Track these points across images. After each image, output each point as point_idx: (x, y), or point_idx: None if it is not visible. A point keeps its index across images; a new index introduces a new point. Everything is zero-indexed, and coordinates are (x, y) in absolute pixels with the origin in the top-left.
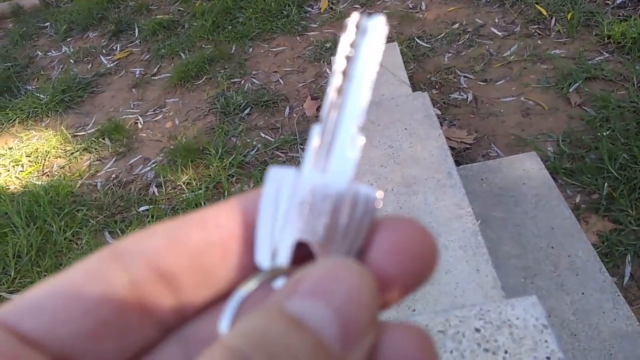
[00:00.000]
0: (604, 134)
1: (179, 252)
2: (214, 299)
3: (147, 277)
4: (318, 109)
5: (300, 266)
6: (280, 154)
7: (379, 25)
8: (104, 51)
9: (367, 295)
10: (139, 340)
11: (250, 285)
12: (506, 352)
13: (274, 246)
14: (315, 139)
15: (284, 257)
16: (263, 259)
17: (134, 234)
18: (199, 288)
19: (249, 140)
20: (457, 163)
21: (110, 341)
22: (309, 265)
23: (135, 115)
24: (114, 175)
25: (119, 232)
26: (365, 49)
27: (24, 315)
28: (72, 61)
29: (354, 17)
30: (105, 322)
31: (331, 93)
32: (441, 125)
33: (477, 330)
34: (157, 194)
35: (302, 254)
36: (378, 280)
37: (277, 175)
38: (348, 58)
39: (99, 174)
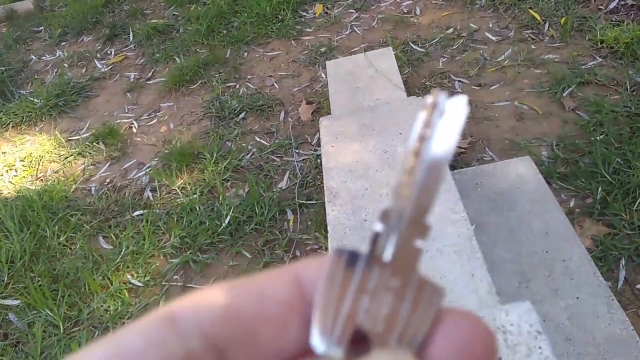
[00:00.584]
0: (598, 138)
1: (235, 324)
2: None
3: (201, 348)
4: (313, 113)
5: (355, 355)
6: (275, 158)
7: (459, 107)
8: (98, 55)
9: None
10: None
11: None
12: (500, 358)
13: (332, 330)
14: (380, 221)
15: (340, 344)
16: (319, 343)
17: (190, 296)
18: (253, 357)
19: (244, 145)
20: (452, 167)
21: None
22: (369, 356)
23: (129, 120)
24: (108, 180)
25: (113, 237)
26: (440, 135)
27: None
28: (66, 65)
29: (435, 95)
30: None
31: (403, 175)
32: None
33: None
34: (151, 198)
35: (360, 340)
36: None
37: (341, 253)
38: (423, 139)
39: (93, 179)
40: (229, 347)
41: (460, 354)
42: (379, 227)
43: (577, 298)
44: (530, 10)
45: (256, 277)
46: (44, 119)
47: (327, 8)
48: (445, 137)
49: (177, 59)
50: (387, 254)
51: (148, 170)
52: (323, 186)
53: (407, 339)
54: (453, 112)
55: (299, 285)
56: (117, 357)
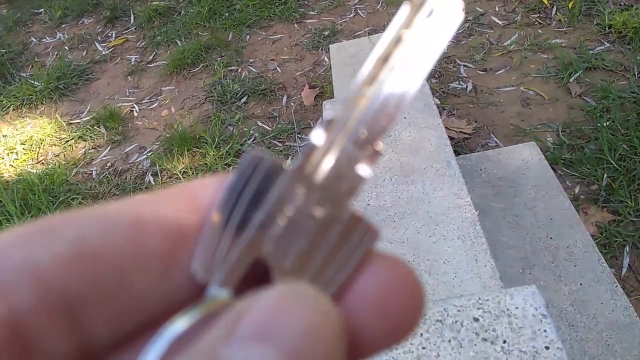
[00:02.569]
0: (604, 124)
1: (94, 268)
2: (138, 330)
3: (34, 304)
4: (316, 98)
5: (248, 292)
6: (277, 143)
7: (452, 10)
8: (99, 38)
9: (329, 334)
10: None
11: (178, 325)
12: (505, 341)
13: (223, 259)
14: (319, 135)
15: (231, 278)
16: (201, 273)
17: (27, 227)
18: (117, 319)
19: (246, 129)
20: (456, 153)
21: None
22: (257, 293)
23: (130, 103)
24: (109, 164)
25: None
26: (424, 35)
27: None
28: (66, 48)
29: None
30: None
31: (359, 84)
32: (440, 114)
33: (476, 319)
34: (152, 182)
35: (261, 277)
36: (350, 329)
37: (256, 161)
38: (398, 40)
39: (94, 162)
40: (81, 300)
41: (382, 303)
42: (317, 138)
43: (581, 284)
44: None
45: (134, 200)
46: (44, 102)
47: None
48: (427, 44)
49: (178, 42)
50: (320, 174)
51: (149, 154)
52: None
53: (322, 280)
54: (443, 15)
55: (196, 209)
56: None
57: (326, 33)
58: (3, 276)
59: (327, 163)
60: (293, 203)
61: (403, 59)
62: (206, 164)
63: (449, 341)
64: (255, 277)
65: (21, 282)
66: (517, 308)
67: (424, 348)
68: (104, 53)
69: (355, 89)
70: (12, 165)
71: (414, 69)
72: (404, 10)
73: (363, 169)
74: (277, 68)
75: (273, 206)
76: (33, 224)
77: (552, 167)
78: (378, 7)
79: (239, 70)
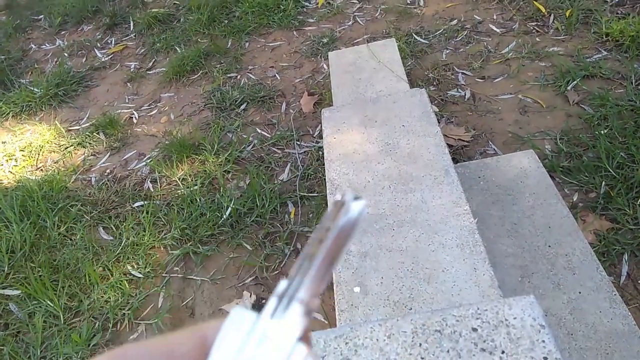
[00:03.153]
0: (602, 132)
1: None
2: None
3: None
4: (315, 105)
5: None
6: (276, 149)
7: (358, 208)
8: (98, 45)
9: None
10: None
11: None
12: (503, 352)
13: None
14: (279, 292)
15: None
16: None
17: (105, 355)
18: None
19: (245, 136)
20: (455, 161)
21: None
22: None
23: (130, 110)
24: (108, 170)
25: (113, 227)
26: (338, 231)
27: None
28: (66, 54)
29: (342, 195)
30: None
31: (303, 257)
32: (439, 122)
33: (474, 329)
34: (152, 189)
35: None
36: None
37: (238, 316)
38: (327, 229)
39: (93, 169)
40: None
41: None
42: (272, 300)
43: (580, 293)
44: (535, 2)
45: (167, 336)
46: (43, 108)
47: None
48: (342, 234)
49: (177, 48)
50: (277, 317)
51: (148, 161)
52: (325, 178)
53: None
54: (353, 212)
55: (204, 345)
56: None
57: (325, 40)
58: None
59: (281, 312)
60: (264, 344)
61: (330, 240)
62: (205, 170)
63: (448, 351)
64: None
65: None
66: (515, 318)
67: (422, 358)
68: (103, 60)
69: (298, 263)
70: (11, 172)
71: (338, 247)
72: (330, 209)
73: (304, 316)
74: (276, 75)
75: (249, 346)
76: (108, 353)
77: (550, 175)
78: (376, 14)
79: (238, 77)
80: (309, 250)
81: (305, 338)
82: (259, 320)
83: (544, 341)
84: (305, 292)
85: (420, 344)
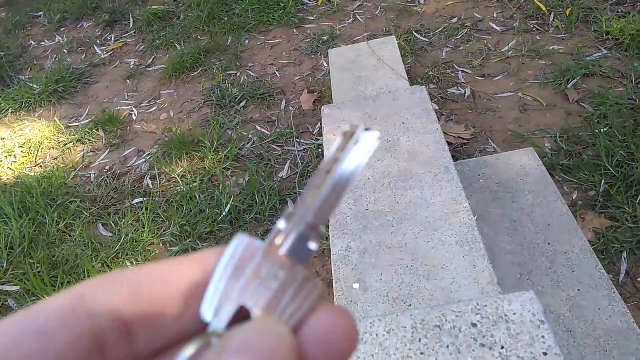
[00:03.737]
0: (602, 130)
1: (142, 305)
2: (165, 347)
3: (108, 326)
4: (315, 102)
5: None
6: (276, 147)
7: (371, 140)
8: (98, 41)
9: (286, 349)
10: None
11: (189, 351)
12: (503, 347)
13: (220, 305)
14: (284, 220)
15: (225, 317)
16: (207, 315)
17: (99, 278)
18: (154, 338)
19: (244, 133)
20: (454, 158)
21: None
22: (237, 328)
23: (129, 107)
24: (107, 167)
25: (112, 224)
26: (351, 159)
27: None
28: (65, 51)
29: (352, 127)
30: None
31: (311, 188)
32: (439, 120)
33: (474, 325)
34: (151, 186)
35: (245, 317)
36: (301, 355)
37: (241, 242)
38: (335, 160)
39: (92, 166)
40: (136, 324)
41: (324, 339)
42: (281, 224)
43: (579, 290)
44: (535, 1)
45: (165, 262)
46: (43, 105)
47: None
48: (354, 162)
49: (177, 46)
50: (283, 248)
51: (148, 157)
52: None
53: (284, 319)
54: (365, 143)
55: (205, 272)
56: (28, 336)
57: (325, 38)
58: (93, 306)
59: (287, 243)
60: (264, 269)
61: (338, 173)
62: (205, 168)
63: (447, 347)
64: (242, 317)
65: (102, 312)
66: (515, 314)
67: (422, 354)
68: (103, 57)
69: (305, 193)
70: (10, 168)
71: (345, 181)
72: (339, 140)
73: (312, 245)
74: (276, 72)
75: (251, 271)
76: (103, 276)
77: (550, 173)
78: (377, 12)
79: (238, 74)
80: (316, 181)
81: (307, 266)
82: (262, 248)
83: (543, 337)
84: (311, 221)
85: (420, 340)
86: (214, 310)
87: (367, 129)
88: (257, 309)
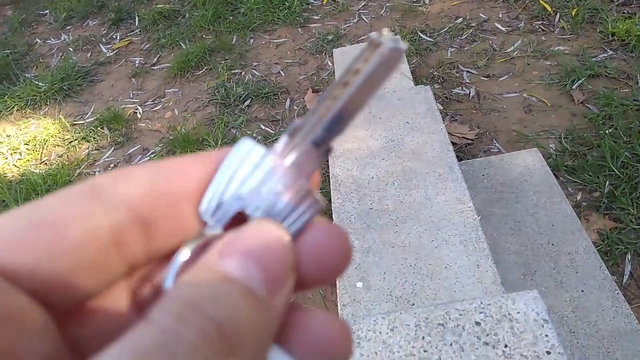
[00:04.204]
0: (607, 131)
1: (160, 199)
2: (180, 244)
3: (126, 221)
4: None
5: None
6: None
7: (398, 52)
8: (103, 40)
9: (283, 249)
10: (109, 279)
11: (186, 251)
12: (506, 346)
13: (218, 206)
14: (292, 130)
15: (223, 219)
16: (205, 213)
17: (113, 173)
18: (170, 237)
19: (249, 132)
20: (459, 158)
21: (85, 279)
22: (235, 230)
23: (134, 105)
24: (112, 165)
25: None
26: (374, 69)
27: (8, 250)
28: (71, 49)
29: (378, 34)
30: (86, 261)
31: (325, 99)
32: (443, 120)
33: (478, 323)
34: None
35: (243, 221)
36: (297, 266)
37: (247, 146)
38: (356, 71)
39: (97, 163)
40: (153, 220)
41: (320, 252)
42: (290, 133)
43: (582, 291)
44: (540, 1)
45: (177, 158)
46: (48, 102)
47: None
48: (376, 76)
49: (182, 44)
50: (289, 159)
51: (152, 156)
52: (328, 175)
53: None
54: (391, 55)
55: (214, 171)
56: (40, 227)
57: (330, 37)
58: (109, 199)
59: (294, 153)
60: (267, 176)
61: (357, 85)
62: None
63: (451, 345)
64: (240, 221)
65: (119, 205)
66: (518, 313)
67: (425, 351)
68: (108, 55)
69: (319, 102)
70: (15, 165)
71: (365, 93)
72: (363, 49)
73: (319, 159)
74: (281, 72)
75: (253, 177)
76: (116, 171)
77: (554, 174)
78: (382, 12)
79: (243, 73)
80: (331, 92)
81: (313, 179)
82: (266, 155)
83: (547, 335)
84: (320, 132)
85: (423, 337)
86: (212, 211)
87: (394, 39)
88: (256, 213)
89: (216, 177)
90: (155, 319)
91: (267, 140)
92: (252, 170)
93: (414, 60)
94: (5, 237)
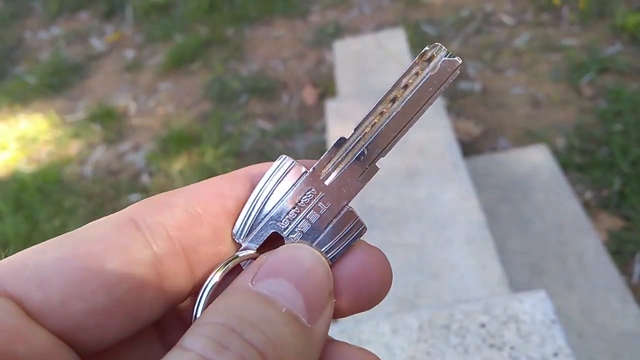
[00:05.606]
0: (616, 128)
1: (199, 225)
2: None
3: (168, 251)
4: (319, 96)
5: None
6: (278, 143)
7: (452, 68)
8: (95, 33)
9: (322, 271)
10: (146, 318)
11: (217, 276)
12: (512, 347)
13: (253, 228)
14: (336, 149)
15: (257, 239)
16: (238, 234)
17: (148, 202)
18: (213, 260)
19: (245, 129)
20: (464, 155)
21: (120, 318)
22: (272, 252)
23: (126, 100)
24: (104, 163)
25: None
26: (425, 84)
27: (33, 287)
28: (62, 43)
29: (430, 47)
30: (122, 299)
31: (372, 115)
32: (448, 115)
33: (483, 325)
34: (148, 182)
35: (277, 243)
36: (337, 291)
37: (284, 164)
38: (406, 86)
39: (88, 161)
40: (194, 248)
41: (359, 277)
42: (330, 152)
43: (591, 292)
44: None
45: (212, 179)
46: (38, 98)
47: None
48: (427, 92)
49: (176, 37)
50: (330, 178)
51: (145, 153)
52: None
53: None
54: (445, 71)
55: (253, 186)
56: (76, 260)
57: (330, 30)
58: (150, 229)
59: (335, 172)
60: (305, 197)
61: (406, 102)
62: (204, 164)
63: (455, 347)
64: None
65: (160, 235)
66: (525, 313)
67: (428, 354)
68: (100, 48)
69: (364, 119)
70: (4, 163)
71: (414, 110)
72: (412, 62)
73: (362, 180)
74: (279, 66)
75: (290, 198)
76: (152, 198)
77: (562, 172)
78: (384, 3)
79: (239, 67)
80: (378, 108)
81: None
82: (305, 174)
83: (554, 337)
84: (364, 151)
85: (427, 339)
86: (246, 232)
87: (448, 52)
88: (293, 235)
89: (251, 196)
90: (190, 346)
91: (265, 136)
92: (290, 190)
93: (418, 53)
94: (33, 272)
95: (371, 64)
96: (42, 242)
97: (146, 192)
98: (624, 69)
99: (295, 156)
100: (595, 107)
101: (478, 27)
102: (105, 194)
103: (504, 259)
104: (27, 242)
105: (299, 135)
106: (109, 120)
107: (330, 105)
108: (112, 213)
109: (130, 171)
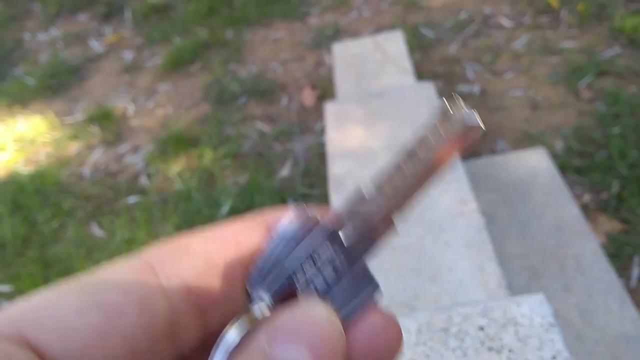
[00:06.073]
0: (615, 131)
1: (215, 275)
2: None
3: (183, 303)
4: (317, 98)
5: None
6: (277, 145)
7: (474, 126)
8: (94, 35)
9: (335, 333)
10: None
11: (231, 336)
12: (510, 351)
13: (267, 278)
14: (352, 201)
15: (271, 292)
16: (252, 287)
17: (167, 247)
18: (226, 313)
19: (244, 131)
20: (462, 158)
21: None
22: (286, 310)
23: (125, 102)
24: (102, 164)
25: (106, 223)
26: (445, 145)
27: (53, 337)
28: (61, 44)
29: (450, 103)
30: (140, 351)
31: (389, 170)
32: None
33: (481, 328)
34: (147, 184)
35: (291, 297)
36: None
37: (299, 215)
38: (426, 145)
39: (87, 163)
40: (209, 299)
41: (372, 341)
42: (346, 206)
43: (589, 295)
44: None
45: (228, 225)
46: (37, 99)
47: None
48: (447, 153)
49: (175, 39)
50: (346, 232)
51: (144, 155)
52: (326, 175)
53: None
54: (466, 128)
55: (268, 234)
56: (96, 311)
57: (329, 32)
58: (168, 279)
59: (351, 227)
60: (322, 250)
61: (426, 162)
62: (202, 165)
63: (453, 350)
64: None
65: (178, 286)
66: (524, 316)
67: (427, 357)
68: (98, 50)
69: (383, 174)
70: (2, 164)
71: (434, 170)
72: (433, 117)
73: (380, 237)
74: (278, 68)
75: (305, 250)
76: (171, 244)
77: (560, 174)
78: (383, 6)
79: (238, 69)
80: (396, 163)
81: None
82: (321, 227)
83: (552, 340)
84: (382, 209)
85: (425, 342)
86: (260, 285)
87: (469, 114)
88: (307, 290)
89: (266, 248)
90: None
91: (264, 139)
92: (304, 243)
93: (416, 56)
94: (53, 321)
95: (370, 66)
96: (61, 284)
97: (145, 194)
98: (622, 71)
99: (295, 157)
100: (594, 109)
101: (477, 30)
102: (104, 196)
103: (502, 261)
104: (25, 244)
105: (298, 137)
106: (108, 122)
107: (329, 107)
108: (111, 215)
109: (129, 173)
